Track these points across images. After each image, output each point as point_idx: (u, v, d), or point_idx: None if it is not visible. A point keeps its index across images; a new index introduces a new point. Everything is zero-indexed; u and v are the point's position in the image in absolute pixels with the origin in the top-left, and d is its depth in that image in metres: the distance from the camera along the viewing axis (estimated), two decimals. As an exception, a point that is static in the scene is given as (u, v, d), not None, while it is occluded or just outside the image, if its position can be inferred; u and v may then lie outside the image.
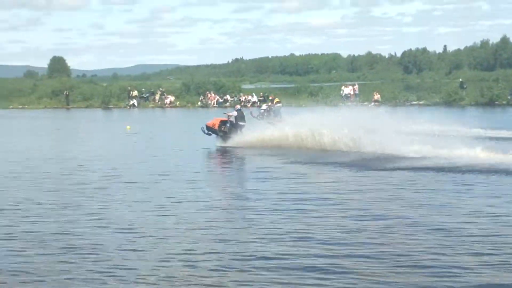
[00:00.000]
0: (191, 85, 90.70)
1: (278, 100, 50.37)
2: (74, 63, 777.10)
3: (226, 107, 77.18)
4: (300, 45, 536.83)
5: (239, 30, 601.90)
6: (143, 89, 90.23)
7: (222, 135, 34.49)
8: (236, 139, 33.38)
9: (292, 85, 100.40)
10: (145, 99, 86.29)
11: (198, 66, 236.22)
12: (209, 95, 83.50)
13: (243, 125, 34.25)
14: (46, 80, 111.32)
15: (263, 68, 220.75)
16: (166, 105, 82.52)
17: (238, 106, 37.28)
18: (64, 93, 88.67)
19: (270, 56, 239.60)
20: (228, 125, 34.54)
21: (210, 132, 35.13)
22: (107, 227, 15.58)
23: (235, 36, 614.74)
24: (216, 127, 34.70)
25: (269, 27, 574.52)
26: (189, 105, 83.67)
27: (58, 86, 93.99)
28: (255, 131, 33.33)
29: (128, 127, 46.16)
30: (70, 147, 36.27)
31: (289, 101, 76.70)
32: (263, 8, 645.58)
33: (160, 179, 22.90)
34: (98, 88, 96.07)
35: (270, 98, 59.66)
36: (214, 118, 36.29)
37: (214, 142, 34.85)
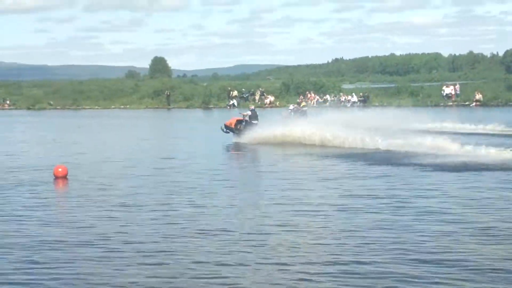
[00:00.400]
0: (291, 85, 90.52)
1: (304, 104, 59.20)
2: (175, 63, 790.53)
3: (326, 107, 76.72)
4: (401, 44, 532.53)
5: (339, 29, 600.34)
6: (243, 89, 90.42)
7: (237, 133, 37.99)
8: (249, 136, 36.69)
9: (393, 85, 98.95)
10: (245, 99, 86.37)
11: (297, 66, 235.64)
12: (309, 95, 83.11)
13: (256, 124, 38.01)
14: (148, 81, 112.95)
15: (363, 67, 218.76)
16: (266, 105, 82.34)
17: (252, 107, 42.10)
18: (165, 93, 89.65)
19: (370, 56, 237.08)
20: (243, 123, 38.34)
21: (228, 131, 38.63)
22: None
23: (334, 35, 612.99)
24: (233, 126, 38.36)
25: (369, 26, 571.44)
26: (288, 105, 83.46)
27: (159, 87, 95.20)
28: (265, 130, 36.87)
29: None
30: (171, 147, 36.47)
31: (389, 101, 75.51)
32: (363, 8, 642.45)
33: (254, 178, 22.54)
34: (199, 88, 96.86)
35: (298, 101, 65.68)
36: (232, 117, 40.08)
37: (231, 138, 38.14)
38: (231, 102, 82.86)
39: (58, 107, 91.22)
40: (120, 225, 16.00)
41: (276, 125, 37.95)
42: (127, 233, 15.17)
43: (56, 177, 23.82)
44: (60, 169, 24.19)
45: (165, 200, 19.33)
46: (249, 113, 38.69)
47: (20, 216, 17.35)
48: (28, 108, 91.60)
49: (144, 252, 13.37)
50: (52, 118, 69.80)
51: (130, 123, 59.50)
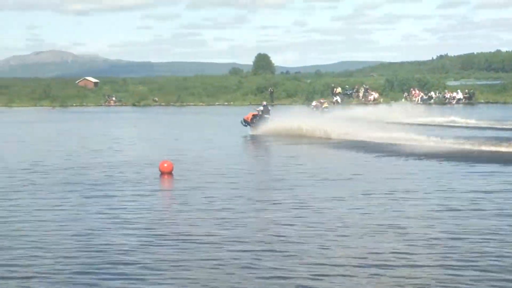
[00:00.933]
0: (395, 81, 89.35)
1: (326, 105, 66.01)
2: (278, 60, 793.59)
3: (430, 104, 75.71)
4: (507, 40, 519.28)
5: (443, 26, 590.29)
6: (347, 86, 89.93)
7: (252, 126, 42.18)
8: (262, 128, 41.24)
9: (498, 82, 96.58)
10: (348, 96, 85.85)
11: (401, 63, 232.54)
12: (413, 92, 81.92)
13: (268, 117, 42.19)
14: (251, 77, 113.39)
15: (468, 64, 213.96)
16: (370, 102, 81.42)
17: (264, 102, 46.72)
18: (269, 90, 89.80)
19: (475, 52, 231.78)
20: (257, 118, 42.40)
21: (246, 124, 42.85)
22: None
23: (439, 32, 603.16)
24: (249, 120, 42.59)
25: (474, 23, 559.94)
26: (392, 101, 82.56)
27: (262, 83, 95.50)
28: (275, 123, 41.22)
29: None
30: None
31: (495, 98, 73.63)
32: (468, 4, 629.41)
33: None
34: (302, 85, 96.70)
35: (321, 101, 69.50)
36: (249, 113, 43.72)
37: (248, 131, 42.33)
38: (335, 98, 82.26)
39: (163, 103, 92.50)
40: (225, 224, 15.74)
41: (284, 119, 41.74)
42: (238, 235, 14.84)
43: (162, 173, 23.88)
44: (165, 165, 24.22)
45: (264, 196, 19.08)
46: (261, 108, 43.11)
47: (127, 212, 17.30)
48: (134, 105, 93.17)
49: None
50: (157, 115, 70.64)
51: (234, 120, 59.47)
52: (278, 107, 64.21)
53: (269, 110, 43.05)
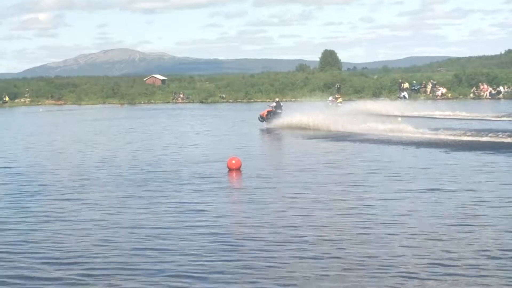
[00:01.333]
0: (463, 76, 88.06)
1: (341, 100, 70.93)
2: (345, 56, 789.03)
3: (499, 98, 74.76)
4: None
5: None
6: (414, 81, 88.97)
7: (267, 121, 45.54)
8: (274, 123, 44.58)
9: None
10: (416, 91, 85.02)
11: (469, 58, 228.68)
12: (481, 87, 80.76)
13: (280, 113, 45.48)
14: (318, 73, 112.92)
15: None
16: (437, 97, 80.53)
17: (277, 99, 49.53)
18: (336, 85, 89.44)
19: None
20: (272, 113, 45.71)
21: (262, 120, 46.17)
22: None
23: (507, 26, 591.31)
24: (265, 116, 45.95)
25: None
26: (460, 96, 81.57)
27: (329, 79, 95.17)
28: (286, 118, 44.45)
29: (399, 119, 45.17)
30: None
31: None
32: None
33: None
34: (369, 80, 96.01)
35: (336, 96, 74.04)
36: (265, 109, 47.24)
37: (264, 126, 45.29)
38: (402, 94, 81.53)
39: (230, 100, 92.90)
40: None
41: (295, 114, 44.47)
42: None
43: (230, 169, 23.95)
44: (233, 161, 24.27)
45: (334, 194, 18.99)
46: (274, 104, 46.59)
47: (196, 209, 17.37)
48: (201, 102, 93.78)
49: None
50: (224, 111, 70.86)
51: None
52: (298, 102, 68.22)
53: (281, 106, 46.33)
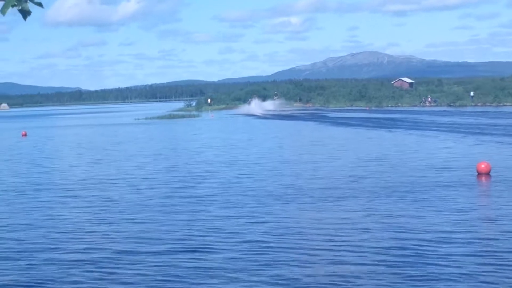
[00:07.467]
0: None
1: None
2: None
3: None
4: None
5: None
6: None
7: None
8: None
9: None
10: None
11: None
12: None
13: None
14: None
15: None
16: None
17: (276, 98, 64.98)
18: None
19: None
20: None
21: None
22: None
23: None
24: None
25: None
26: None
27: None
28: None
29: None
30: None
31: None
32: None
33: None
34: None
35: None
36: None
37: None
38: None
39: (479, 103, 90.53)
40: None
41: None
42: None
43: (479, 174, 23.53)
44: (483, 166, 23.89)
45: None
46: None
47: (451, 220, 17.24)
48: (449, 105, 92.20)
49: None
50: (472, 116, 68.75)
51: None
52: None
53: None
